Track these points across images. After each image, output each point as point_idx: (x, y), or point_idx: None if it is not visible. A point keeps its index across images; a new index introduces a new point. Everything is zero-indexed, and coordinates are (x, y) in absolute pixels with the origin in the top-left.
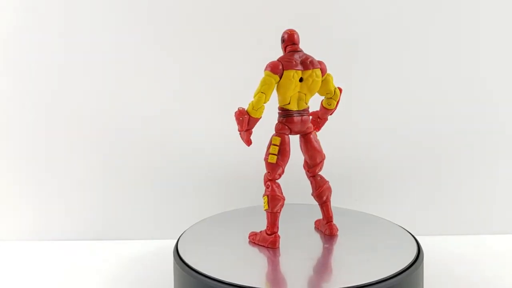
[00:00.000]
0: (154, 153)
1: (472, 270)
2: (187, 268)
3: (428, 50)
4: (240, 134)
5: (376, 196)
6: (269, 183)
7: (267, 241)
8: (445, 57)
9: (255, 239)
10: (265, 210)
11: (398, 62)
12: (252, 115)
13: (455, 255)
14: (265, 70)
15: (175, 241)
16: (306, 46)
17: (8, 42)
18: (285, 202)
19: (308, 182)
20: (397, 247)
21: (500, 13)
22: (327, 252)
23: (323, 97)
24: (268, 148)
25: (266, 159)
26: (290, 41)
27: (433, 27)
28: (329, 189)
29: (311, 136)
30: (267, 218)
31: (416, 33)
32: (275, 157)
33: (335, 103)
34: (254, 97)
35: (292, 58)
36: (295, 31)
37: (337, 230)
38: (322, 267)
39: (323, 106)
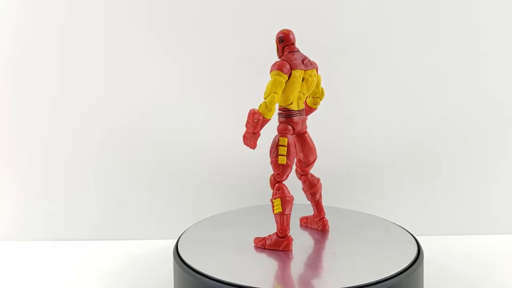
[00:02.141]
0: (154, 153)
1: (472, 270)
2: (187, 268)
3: (427, 51)
4: (245, 137)
5: (376, 196)
6: (279, 185)
7: (281, 244)
8: (444, 57)
9: (265, 244)
10: (277, 213)
11: (397, 62)
12: (266, 116)
13: (455, 255)
14: (273, 70)
15: (175, 241)
16: (307, 46)
17: (9, 39)
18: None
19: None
20: (397, 247)
21: (498, 12)
22: (326, 251)
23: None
24: (275, 149)
25: (274, 161)
26: (289, 41)
27: (433, 26)
28: (321, 186)
29: (307, 135)
30: (279, 221)
31: (416, 33)
32: (285, 158)
33: (319, 102)
34: (266, 98)
35: (295, 58)
36: (291, 31)
37: (329, 226)
38: (321, 267)
39: (308, 106)
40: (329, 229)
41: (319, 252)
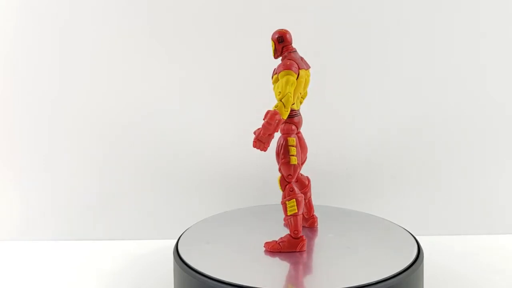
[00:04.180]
0: (154, 153)
1: (472, 270)
2: (187, 268)
3: (427, 50)
4: (259, 140)
5: (376, 196)
6: (290, 186)
7: (297, 245)
8: (444, 57)
9: (280, 248)
10: (291, 214)
11: (397, 62)
12: (283, 117)
13: (455, 255)
14: (283, 70)
15: (175, 241)
16: (306, 46)
17: (9, 39)
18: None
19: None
20: (397, 247)
21: (498, 12)
22: (325, 251)
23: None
24: (285, 150)
25: (286, 162)
26: (288, 41)
27: (433, 26)
28: (310, 184)
29: (301, 135)
30: (293, 222)
31: (416, 33)
32: (296, 158)
33: (303, 102)
34: (281, 98)
35: (297, 58)
36: (288, 31)
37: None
38: (321, 267)
39: None
40: (330, 230)
41: (320, 251)
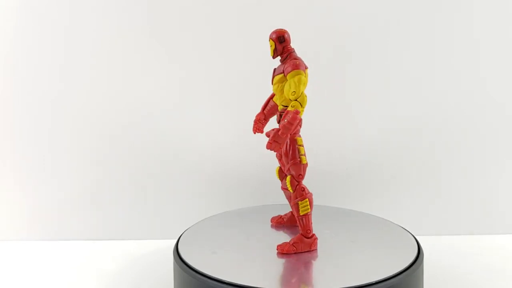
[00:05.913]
0: (154, 153)
1: (472, 270)
2: (187, 268)
3: (427, 51)
4: (276, 141)
5: (376, 196)
6: (301, 185)
7: (311, 245)
8: (444, 57)
9: (295, 249)
10: (304, 214)
11: (397, 62)
12: (300, 116)
13: (455, 255)
14: (294, 69)
15: (175, 241)
16: (307, 46)
17: (10, 39)
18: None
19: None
20: (397, 247)
21: (499, 13)
22: (325, 252)
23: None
24: (294, 151)
25: (297, 162)
26: (288, 41)
27: (433, 27)
28: None
29: None
30: (304, 221)
31: (416, 33)
32: (305, 157)
33: None
34: (297, 98)
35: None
36: (286, 30)
37: None
38: (321, 267)
39: (276, 107)
40: (329, 230)
41: (319, 251)
